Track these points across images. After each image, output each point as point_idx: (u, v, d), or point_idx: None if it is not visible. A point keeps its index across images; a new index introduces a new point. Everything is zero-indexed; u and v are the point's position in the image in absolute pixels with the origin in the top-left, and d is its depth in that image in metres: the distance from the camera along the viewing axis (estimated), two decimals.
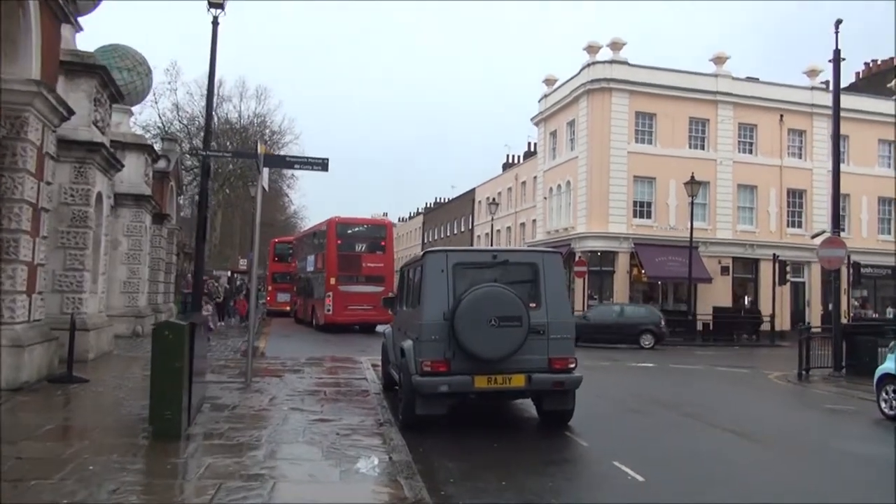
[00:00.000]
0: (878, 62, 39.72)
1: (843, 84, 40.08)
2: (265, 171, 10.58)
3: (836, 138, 17.49)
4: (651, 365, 18.04)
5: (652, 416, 10.29)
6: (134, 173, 20.53)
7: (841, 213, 35.59)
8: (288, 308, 34.30)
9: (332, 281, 25.03)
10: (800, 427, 10.17)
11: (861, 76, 40.42)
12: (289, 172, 51.69)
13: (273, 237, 41.27)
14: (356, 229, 26.47)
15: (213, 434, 7.23)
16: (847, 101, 34.91)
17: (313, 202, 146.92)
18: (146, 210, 20.18)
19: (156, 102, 42.64)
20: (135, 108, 23.87)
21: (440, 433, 8.29)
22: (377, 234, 26.68)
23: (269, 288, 37.21)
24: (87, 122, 13.28)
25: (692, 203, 27.98)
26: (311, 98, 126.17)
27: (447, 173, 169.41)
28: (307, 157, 10.59)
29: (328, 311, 25.10)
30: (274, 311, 35.36)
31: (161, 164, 23.67)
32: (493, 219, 40.53)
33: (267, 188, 11.42)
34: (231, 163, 42.98)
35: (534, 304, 8.29)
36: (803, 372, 15.77)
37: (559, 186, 34.13)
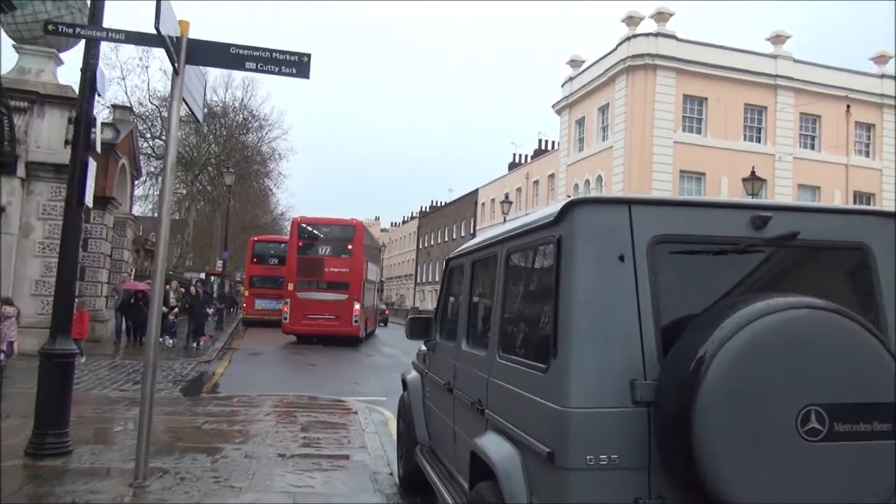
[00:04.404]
0: None
1: None
2: (192, 72, 5.59)
3: None
4: None
5: None
6: (55, 136, 15.67)
7: None
8: (268, 317, 29.48)
9: (290, 287, 23.15)
10: None
11: None
12: (275, 168, 46.22)
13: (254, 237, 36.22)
14: (321, 230, 24.24)
15: None
16: None
17: (302, 202, 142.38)
18: None
19: (123, 79, 37.43)
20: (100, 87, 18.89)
21: None
22: (344, 235, 24.16)
23: (246, 293, 32.75)
24: None
25: None
26: (300, 97, 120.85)
27: (445, 178, 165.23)
28: (272, 51, 5.58)
29: (285, 319, 23.20)
30: (252, 320, 30.85)
31: (107, 133, 18.72)
32: (505, 219, 35.55)
33: (200, 116, 6.36)
34: (216, 143, 38.14)
35: None
36: None
37: (587, 182, 29.21)
